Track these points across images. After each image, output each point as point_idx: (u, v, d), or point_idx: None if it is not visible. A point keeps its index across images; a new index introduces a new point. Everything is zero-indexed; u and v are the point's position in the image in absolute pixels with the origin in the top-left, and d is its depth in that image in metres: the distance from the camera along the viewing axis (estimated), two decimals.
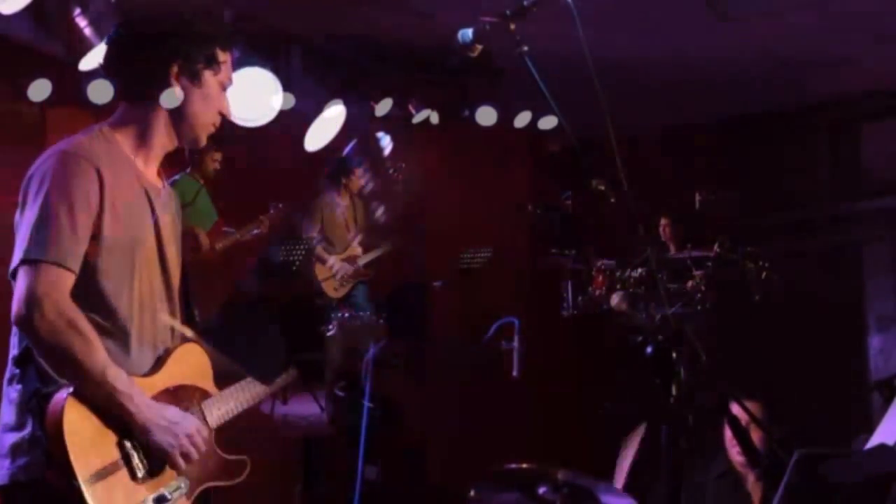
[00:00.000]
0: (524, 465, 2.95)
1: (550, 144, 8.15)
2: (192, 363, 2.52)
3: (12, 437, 2.26)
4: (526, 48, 2.41)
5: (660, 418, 2.02)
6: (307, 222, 7.24)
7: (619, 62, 5.99)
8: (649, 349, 2.04)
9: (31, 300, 2.19)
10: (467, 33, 2.56)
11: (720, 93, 7.34)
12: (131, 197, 2.42)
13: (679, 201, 6.90)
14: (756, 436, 3.69)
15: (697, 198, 6.71)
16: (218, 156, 6.79)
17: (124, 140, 2.48)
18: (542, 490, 2.84)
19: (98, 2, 4.91)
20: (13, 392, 2.30)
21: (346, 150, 6.87)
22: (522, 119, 6.86)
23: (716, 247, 6.30)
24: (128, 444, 2.26)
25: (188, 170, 6.69)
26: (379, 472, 5.61)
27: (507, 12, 2.47)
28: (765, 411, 4.12)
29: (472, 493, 2.93)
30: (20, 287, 2.23)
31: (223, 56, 2.53)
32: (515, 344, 6.96)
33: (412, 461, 6.59)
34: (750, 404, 3.92)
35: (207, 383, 2.55)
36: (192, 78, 2.47)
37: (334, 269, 7.16)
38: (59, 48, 5.16)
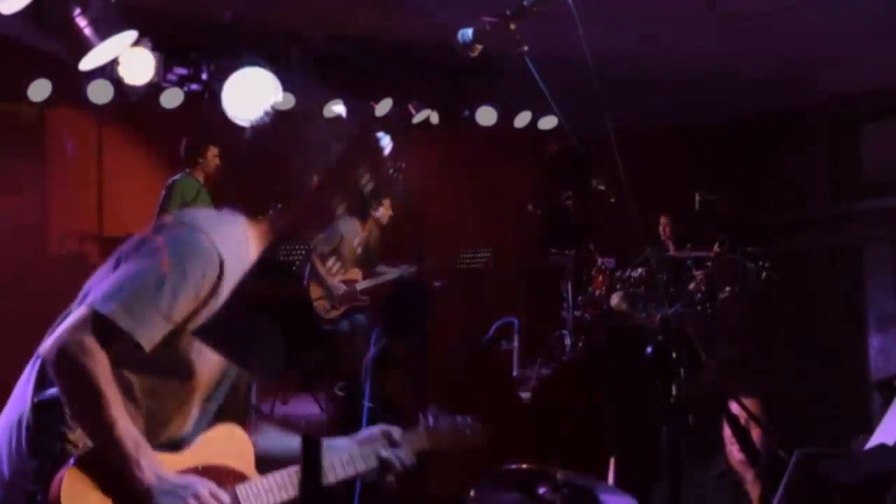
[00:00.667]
0: (524, 465, 2.95)
1: (550, 144, 8.16)
2: (229, 444, 2.37)
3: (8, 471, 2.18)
4: (526, 48, 2.40)
5: (659, 418, 2.01)
6: (325, 242, 7.13)
7: (619, 62, 5.99)
8: (649, 349, 2.03)
9: (72, 343, 2.11)
10: (467, 33, 2.55)
11: (720, 93, 7.35)
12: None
13: (679, 201, 6.91)
14: (755, 434, 3.68)
15: (697, 198, 6.72)
16: (215, 150, 6.79)
17: (258, 236, 2.41)
18: (542, 490, 2.83)
19: (98, 2, 4.92)
20: (24, 435, 2.20)
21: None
22: (522, 119, 6.87)
23: (716, 247, 6.31)
24: None
25: (187, 170, 6.69)
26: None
27: (507, 12, 2.46)
28: (763, 408, 4.12)
29: (472, 493, 2.92)
30: (70, 323, 2.14)
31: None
32: (515, 344, 6.98)
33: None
34: (748, 401, 3.92)
35: (246, 466, 2.38)
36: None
37: (333, 288, 7.06)
38: (59, 48, 5.16)
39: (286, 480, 2.39)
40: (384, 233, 7.38)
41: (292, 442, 2.55)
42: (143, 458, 2.14)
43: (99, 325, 2.12)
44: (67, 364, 2.11)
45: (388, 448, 2.62)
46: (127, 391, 2.22)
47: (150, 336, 2.16)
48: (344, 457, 2.55)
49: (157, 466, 2.16)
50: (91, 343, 2.12)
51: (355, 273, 7.30)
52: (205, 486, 2.21)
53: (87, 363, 2.11)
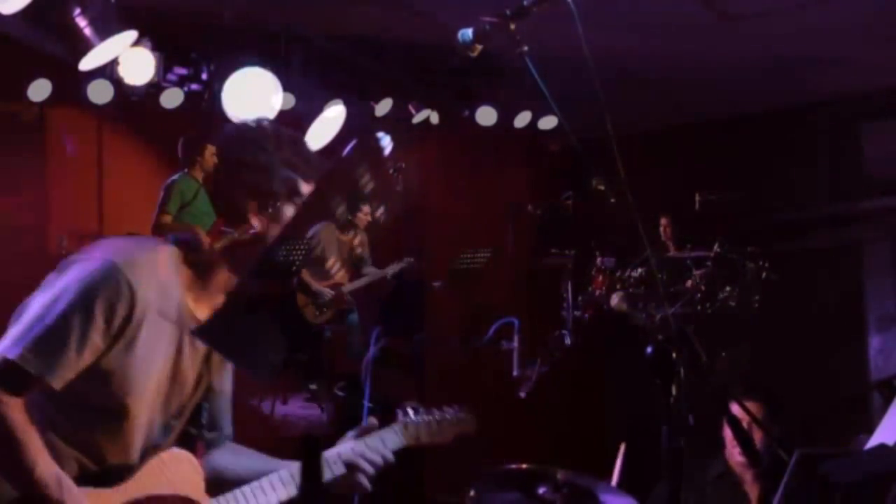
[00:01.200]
0: (524, 465, 2.95)
1: (550, 144, 8.16)
2: (176, 471, 2.31)
3: None
4: (526, 48, 2.40)
5: (659, 418, 2.01)
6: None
7: (620, 62, 6.00)
8: (649, 349, 2.03)
9: None
10: (467, 33, 2.55)
11: (720, 93, 7.35)
12: (157, 331, 2.25)
13: (679, 201, 6.90)
14: (756, 436, 3.69)
15: (697, 198, 6.72)
16: (212, 149, 6.80)
17: (190, 265, 2.39)
18: (542, 490, 2.83)
19: (98, 2, 4.92)
20: None
21: (346, 150, 6.87)
22: (522, 119, 6.87)
23: (716, 247, 6.30)
24: None
25: (186, 170, 6.69)
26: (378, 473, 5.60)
27: (507, 12, 2.46)
28: (765, 411, 4.12)
29: (471, 492, 2.92)
30: None
31: (306, 187, 2.41)
32: (515, 344, 6.97)
33: (411, 462, 6.59)
34: (750, 404, 3.93)
35: (194, 491, 2.32)
36: (273, 215, 2.41)
37: (318, 294, 7.09)
38: (59, 48, 5.16)
39: (237, 500, 2.35)
40: (375, 232, 7.43)
41: (244, 461, 2.50)
42: (67, 499, 2.09)
43: (9, 370, 2.07)
44: None
45: (353, 450, 2.55)
46: (54, 428, 2.18)
47: (61, 376, 2.10)
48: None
49: (81, 501, 2.12)
50: (1, 391, 2.07)
51: (341, 276, 7.34)
52: None
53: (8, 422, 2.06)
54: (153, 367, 2.25)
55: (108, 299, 2.14)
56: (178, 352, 2.30)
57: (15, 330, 2.13)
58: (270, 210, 2.38)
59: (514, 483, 2.91)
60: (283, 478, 2.41)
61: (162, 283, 2.27)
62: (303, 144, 2.42)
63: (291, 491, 2.40)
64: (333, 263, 7.33)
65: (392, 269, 7.33)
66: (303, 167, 2.39)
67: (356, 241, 7.47)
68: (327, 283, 7.24)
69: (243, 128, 2.43)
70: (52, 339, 2.09)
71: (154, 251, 2.32)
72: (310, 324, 7.11)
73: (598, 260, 6.84)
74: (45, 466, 2.10)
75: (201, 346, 2.35)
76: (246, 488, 2.35)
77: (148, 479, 2.26)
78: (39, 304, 2.15)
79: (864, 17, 5.95)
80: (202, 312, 2.36)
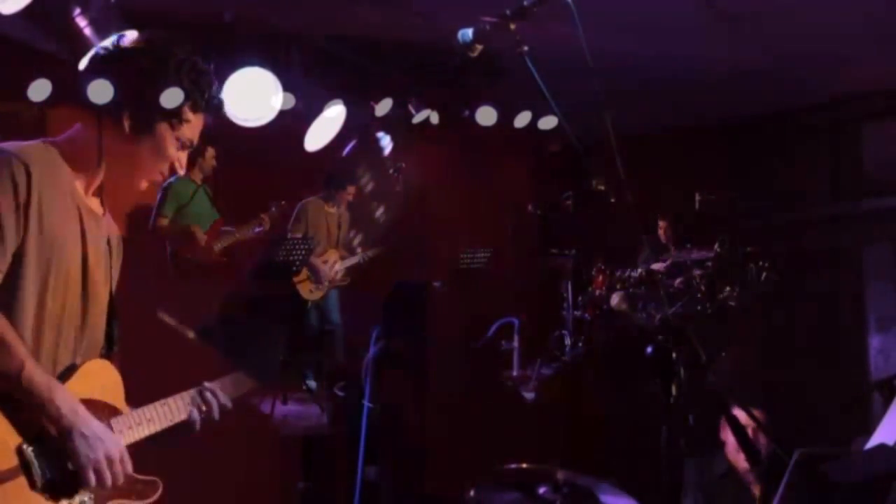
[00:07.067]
0: (524, 465, 2.95)
1: (550, 144, 8.16)
2: (101, 379, 2.36)
3: None
4: (526, 48, 2.40)
5: (660, 418, 2.02)
6: (294, 220, 7.33)
7: (620, 62, 5.99)
8: (649, 349, 2.03)
9: None
10: (467, 33, 2.55)
11: (720, 93, 7.35)
12: (60, 210, 2.28)
13: (679, 201, 6.91)
14: (762, 442, 3.69)
15: (697, 198, 6.72)
16: (212, 151, 6.81)
17: (69, 158, 2.34)
18: (542, 490, 2.83)
19: (98, 2, 4.91)
20: None
21: (346, 149, 6.88)
22: (522, 119, 6.84)
23: (716, 247, 6.31)
24: (28, 451, 2.11)
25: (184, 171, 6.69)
26: (379, 473, 5.61)
27: (507, 12, 2.46)
28: (765, 412, 4.13)
29: (471, 493, 2.92)
30: None
31: (191, 116, 2.38)
32: (515, 344, 6.98)
33: (412, 461, 6.59)
34: (755, 411, 3.93)
35: (118, 401, 2.39)
36: (144, 125, 2.34)
37: (315, 269, 7.22)
38: (59, 48, 5.16)
39: (157, 412, 2.44)
40: (358, 212, 7.52)
41: None
42: (55, 395, 2.14)
43: None
44: None
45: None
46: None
47: (2, 256, 2.13)
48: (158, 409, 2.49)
49: (73, 402, 2.17)
50: None
51: (332, 254, 7.41)
52: (117, 447, 2.23)
53: None
54: (65, 239, 2.28)
55: (8, 176, 2.16)
56: (83, 232, 2.34)
57: None
58: (142, 121, 2.33)
59: (514, 483, 2.91)
60: (185, 399, 2.54)
61: (50, 165, 2.29)
62: (207, 77, 2.41)
63: (194, 414, 2.52)
64: (331, 238, 7.45)
65: (366, 255, 7.47)
66: (195, 96, 2.38)
67: (343, 219, 7.59)
68: (322, 259, 7.32)
69: (166, 37, 2.41)
70: None
71: (34, 142, 2.34)
72: (305, 301, 7.20)
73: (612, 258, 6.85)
74: (32, 363, 2.13)
75: (103, 246, 2.40)
76: (162, 402, 2.46)
77: (81, 385, 2.28)
78: None
79: (863, 17, 5.96)
80: (92, 200, 2.41)
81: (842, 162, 7.84)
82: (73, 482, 2.18)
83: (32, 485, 2.10)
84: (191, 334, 2.47)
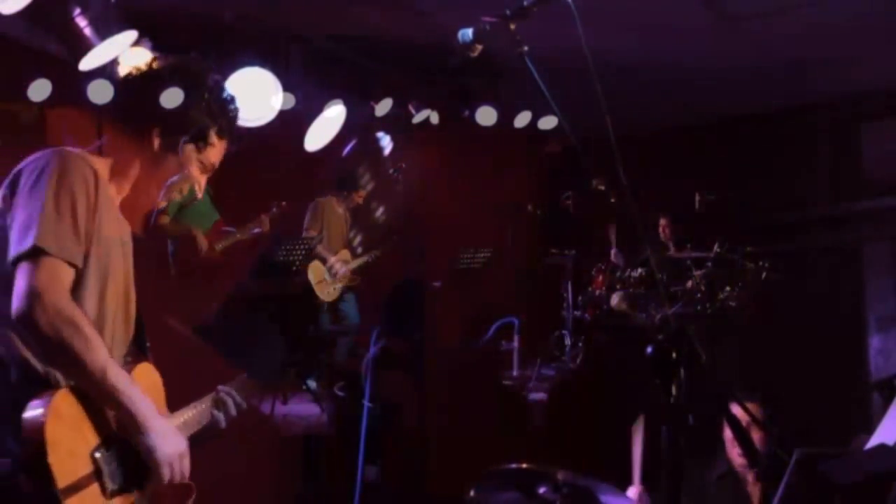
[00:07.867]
0: (524, 465, 2.95)
1: (550, 144, 8.16)
2: (149, 381, 2.42)
3: None
4: (526, 48, 2.40)
5: (660, 418, 2.02)
6: (311, 219, 7.31)
7: (620, 62, 6.00)
8: (649, 349, 2.03)
9: (33, 295, 2.10)
10: (467, 33, 2.56)
11: (720, 93, 7.35)
12: (112, 216, 2.36)
13: (679, 202, 6.90)
14: (756, 436, 3.69)
15: (697, 198, 6.72)
16: None
17: (102, 167, 2.39)
18: (542, 490, 2.83)
19: (98, 2, 4.92)
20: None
21: (346, 149, 6.88)
22: (522, 119, 6.85)
23: (716, 247, 6.31)
24: (98, 456, 2.14)
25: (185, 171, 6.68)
26: (379, 473, 5.61)
27: (507, 12, 2.46)
28: (764, 411, 4.12)
29: (471, 493, 2.92)
30: (21, 280, 2.12)
31: (216, 140, 2.48)
32: (515, 344, 6.98)
33: (412, 461, 6.59)
34: (750, 405, 3.93)
35: (160, 403, 2.45)
36: (172, 144, 2.42)
37: (333, 269, 7.21)
38: (59, 48, 5.16)
39: (190, 415, 2.51)
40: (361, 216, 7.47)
41: None
42: (133, 394, 2.19)
43: (41, 267, 2.12)
44: (43, 322, 2.10)
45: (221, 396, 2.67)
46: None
47: (78, 252, 2.19)
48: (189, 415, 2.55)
49: (149, 401, 2.23)
50: (50, 291, 2.12)
51: (345, 254, 7.40)
52: (184, 446, 2.29)
53: (56, 316, 2.11)
54: (117, 238, 2.36)
55: (79, 176, 2.24)
56: (124, 242, 2.42)
57: (17, 235, 2.16)
58: (170, 140, 2.42)
59: (514, 483, 2.91)
60: (207, 402, 2.62)
61: (103, 177, 2.36)
62: (234, 105, 2.52)
63: (217, 416, 2.61)
64: (343, 237, 7.46)
65: (374, 254, 7.48)
66: (222, 123, 2.48)
67: (348, 219, 7.60)
68: (337, 259, 7.32)
69: (193, 60, 2.52)
70: (53, 225, 2.16)
71: (90, 152, 2.41)
72: (320, 303, 7.18)
73: (613, 251, 6.84)
74: (112, 363, 2.18)
75: (130, 249, 2.45)
76: (188, 408, 2.53)
77: (140, 384, 2.31)
78: (27, 208, 2.18)
79: (863, 17, 5.96)
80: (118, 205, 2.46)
81: (841, 162, 7.84)
82: (135, 482, 2.23)
83: (104, 491, 2.15)
84: (194, 336, 2.50)
